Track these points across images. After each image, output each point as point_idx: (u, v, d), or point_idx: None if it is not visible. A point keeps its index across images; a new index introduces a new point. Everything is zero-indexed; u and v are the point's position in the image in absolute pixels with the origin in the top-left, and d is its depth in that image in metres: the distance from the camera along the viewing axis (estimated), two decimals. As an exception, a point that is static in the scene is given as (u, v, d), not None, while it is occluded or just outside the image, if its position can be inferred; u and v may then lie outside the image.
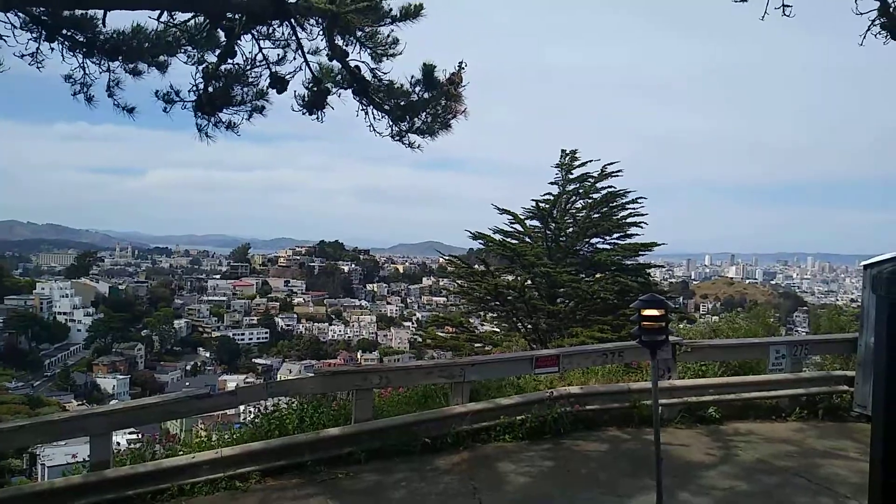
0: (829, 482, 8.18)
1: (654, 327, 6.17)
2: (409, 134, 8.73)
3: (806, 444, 9.75)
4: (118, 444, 9.78)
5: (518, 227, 24.05)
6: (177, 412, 9.16)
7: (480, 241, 24.34)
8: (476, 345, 22.66)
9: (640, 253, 23.39)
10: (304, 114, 8.10)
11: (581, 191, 23.99)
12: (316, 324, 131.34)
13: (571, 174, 24.29)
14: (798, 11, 8.21)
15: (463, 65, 8.36)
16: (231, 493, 7.96)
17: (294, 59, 8.14)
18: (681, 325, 18.74)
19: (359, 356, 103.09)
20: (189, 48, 7.98)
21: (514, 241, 23.59)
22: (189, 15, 7.58)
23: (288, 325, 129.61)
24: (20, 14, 7.33)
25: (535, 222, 23.96)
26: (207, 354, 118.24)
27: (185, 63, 8.10)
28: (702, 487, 8.06)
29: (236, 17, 7.65)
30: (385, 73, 8.27)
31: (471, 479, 8.36)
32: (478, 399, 9.98)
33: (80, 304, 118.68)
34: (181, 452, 8.59)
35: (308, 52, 8.04)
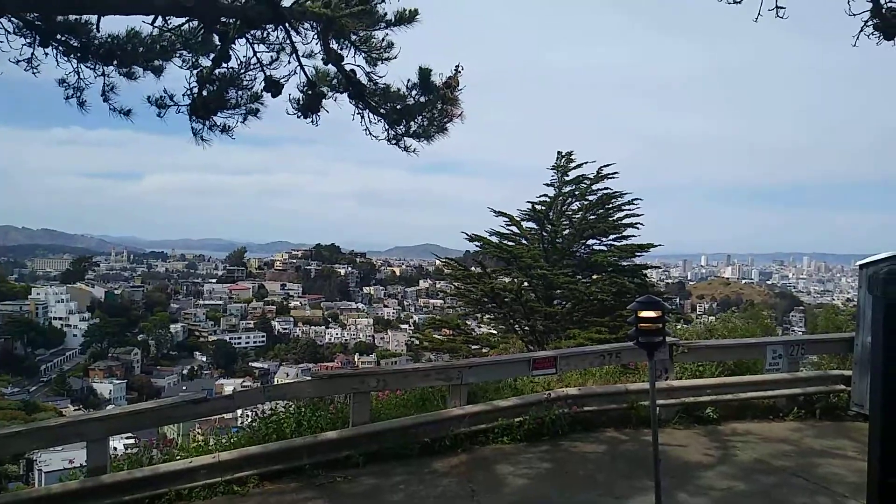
0: (827, 482, 8.19)
1: (651, 329, 6.17)
2: (406, 138, 8.73)
3: (803, 444, 9.76)
4: (115, 448, 9.75)
5: (514, 229, 24.07)
6: (174, 417, 9.13)
7: (477, 243, 24.35)
8: (473, 347, 22.67)
9: (637, 254, 23.43)
10: (298, 117, 8.10)
11: (577, 192, 24.04)
12: (313, 327, 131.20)
13: (567, 176, 24.33)
14: (793, 13, 8.25)
15: (459, 68, 8.38)
16: (229, 498, 7.94)
17: (289, 62, 8.15)
18: (678, 326, 18.77)
19: (356, 359, 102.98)
20: (184, 52, 7.96)
21: (510, 243, 23.61)
22: (183, 20, 7.57)
23: (285, 329, 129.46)
24: (13, 19, 7.31)
25: (532, 224, 23.99)
26: (204, 359, 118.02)
27: (180, 67, 8.08)
28: (700, 488, 8.07)
29: (231, 21, 7.65)
30: (381, 77, 8.28)
31: (469, 481, 8.35)
32: (475, 401, 9.97)
33: (75, 308, 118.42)
34: (178, 457, 8.56)
35: (302, 56, 8.05)
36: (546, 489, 8.17)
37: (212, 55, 7.88)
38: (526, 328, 22.16)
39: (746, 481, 8.29)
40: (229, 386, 66.57)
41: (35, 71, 7.63)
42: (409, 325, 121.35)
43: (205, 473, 8.04)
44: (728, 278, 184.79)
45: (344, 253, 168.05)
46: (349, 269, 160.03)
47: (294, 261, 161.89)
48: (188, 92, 8.09)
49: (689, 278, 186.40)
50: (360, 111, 8.54)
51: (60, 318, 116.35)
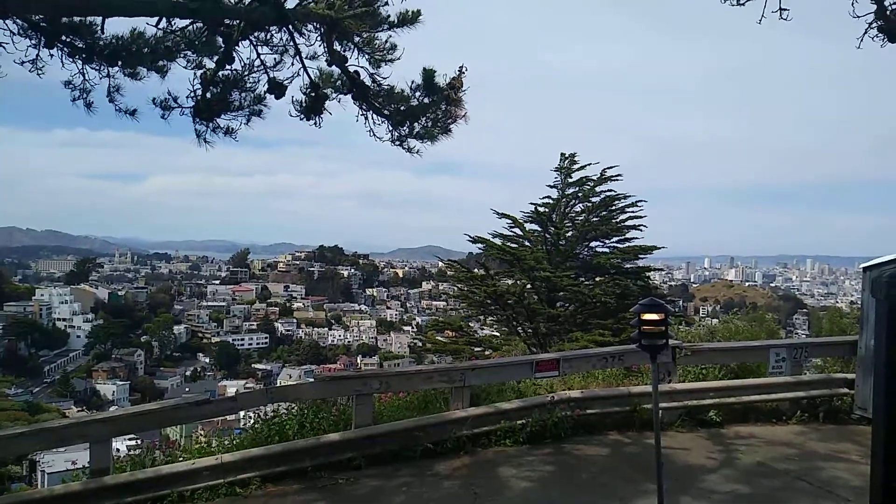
0: (831, 485, 8.16)
1: (654, 332, 6.16)
2: (409, 139, 8.75)
3: (807, 447, 9.72)
4: (118, 450, 9.75)
5: (517, 230, 24.08)
6: (177, 418, 9.14)
7: (480, 245, 24.38)
8: (476, 349, 22.69)
9: (640, 256, 23.44)
10: (301, 119, 8.12)
11: (580, 194, 24.04)
12: (316, 329, 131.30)
13: (571, 178, 24.35)
14: (796, 14, 8.23)
15: (463, 69, 8.39)
16: (231, 500, 7.94)
17: (292, 64, 8.18)
18: (680, 328, 18.72)
19: (359, 361, 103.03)
20: (188, 53, 8.00)
21: (513, 245, 23.63)
22: (187, 21, 7.59)
23: (288, 331, 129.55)
24: (18, 21, 7.34)
25: (535, 226, 24.00)
26: (207, 360, 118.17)
27: (185, 68, 8.13)
28: (703, 491, 8.04)
29: (234, 23, 7.67)
30: (384, 78, 8.31)
31: (471, 483, 8.34)
32: (478, 403, 9.96)
33: (79, 310, 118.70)
34: (181, 459, 8.56)
35: (306, 58, 8.08)
36: (549, 492, 8.15)
37: (215, 57, 7.90)
38: (529, 330, 22.16)
39: (749, 485, 8.26)
40: (232, 387, 66.61)
41: (40, 72, 7.66)
42: (412, 327, 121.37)
43: (207, 475, 8.04)
44: (731, 280, 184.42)
45: (347, 254, 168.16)
46: (352, 270, 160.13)
47: (297, 262, 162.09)
48: (192, 94, 8.12)
49: (692, 280, 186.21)
50: (364, 112, 8.57)
51: (64, 320, 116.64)
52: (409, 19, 7.56)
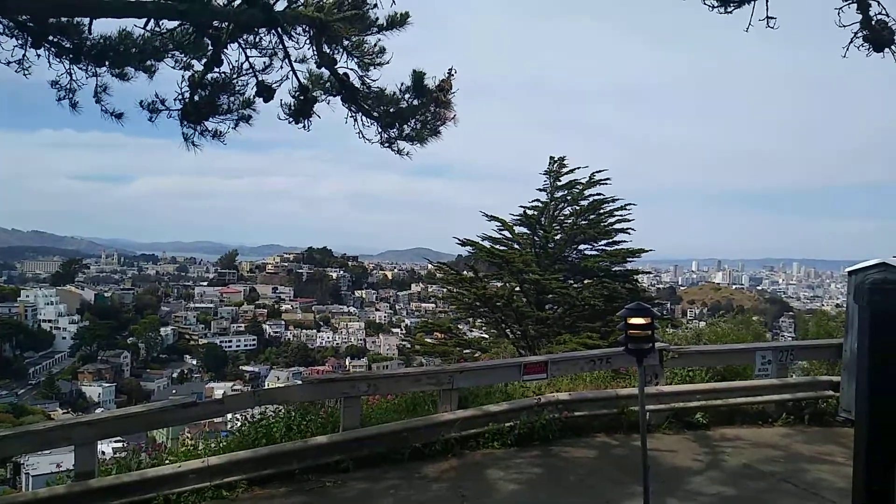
0: (816, 487, 8.23)
1: (641, 336, 6.20)
2: (399, 141, 8.75)
3: (792, 449, 9.80)
4: (103, 452, 9.69)
5: (507, 233, 24.12)
6: (163, 421, 9.11)
7: (469, 247, 24.40)
8: (465, 351, 22.67)
9: (628, 259, 23.52)
10: (290, 123, 8.11)
11: (569, 198, 24.12)
12: (304, 330, 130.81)
13: (560, 181, 24.42)
14: (780, 23, 8.30)
15: (453, 71, 8.41)
16: (217, 503, 7.91)
17: (281, 67, 8.16)
18: (668, 331, 18.82)
19: (347, 363, 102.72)
20: (176, 53, 7.96)
21: (502, 248, 23.65)
22: (176, 23, 7.56)
23: (276, 332, 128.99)
24: (5, 21, 7.28)
25: (524, 229, 24.05)
26: (194, 362, 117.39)
27: (173, 68, 8.08)
28: (689, 493, 8.10)
29: (223, 25, 7.65)
30: (374, 81, 8.30)
31: (459, 486, 8.35)
32: (466, 406, 9.98)
33: (65, 311, 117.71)
34: (167, 461, 8.52)
35: (295, 61, 8.06)
36: (537, 494, 8.18)
37: (204, 60, 7.87)
38: (518, 333, 22.20)
39: (735, 487, 8.32)
40: (219, 389, 66.35)
41: (26, 72, 7.61)
42: (401, 329, 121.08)
43: (193, 478, 8.00)
44: (719, 283, 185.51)
45: (336, 256, 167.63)
46: (341, 272, 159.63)
47: (286, 264, 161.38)
48: (180, 97, 8.08)
49: (679, 283, 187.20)
50: (354, 114, 8.56)
51: (50, 321, 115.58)
52: (397, 22, 7.57)
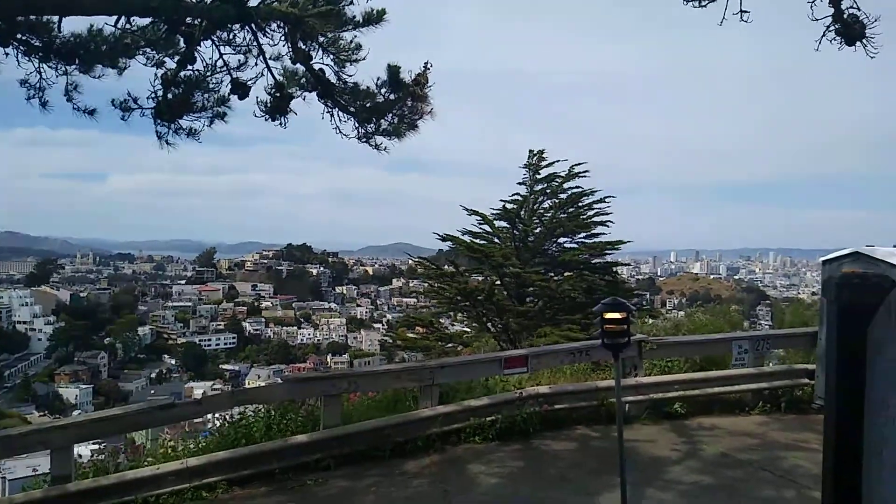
0: (792, 474, 8.37)
1: (617, 330, 6.24)
2: (376, 136, 8.73)
3: (769, 437, 9.96)
4: (79, 455, 9.55)
5: (487, 227, 24.14)
6: (140, 423, 9.01)
7: (450, 242, 24.39)
8: (447, 345, 22.69)
9: (607, 251, 23.67)
10: (266, 120, 8.04)
11: (548, 191, 24.20)
12: (285, 328, 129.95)
13: (539, 174, 24.48)
14: (753, 16, 8.38)
15: (428, 65, 8.40)
16: (198, 504, 7.86)
17: (256, 64, 8.08)
18: (647, 322, 19.01)
19: (329, 359, 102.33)
20: (147, 50, 7.83)
21: (482, 242, 23.67)
22: (148, 20, 7.44)
23: (256, 330, 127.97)
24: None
25: (504, 223, 24.09)
26: (173, 361, 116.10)
27: (145, 65, 7.95)
28: (668, 482, 8.19)
29: (196, 22, 7.54)
30: (350, 76, 8.25)
31: (441, 481, 8.37)
32: (447, 401, 9.99)
33: (40, 312, 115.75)
34: (146, 463, 8.44)
35: (270, 58, 7.99)
36: (518, 488, 8.22)
37: (177, 57, 7.76)
38: (499, 326, 22.25)
39: (713, 475, 8.43)
40: (199, 389, 65.87)
41: (-5, 71, 7.43)
42: (383, 325, 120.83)
43: (172, 480, 7.94)
44: (697, 274, 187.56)
45: (316, 253, 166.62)
46: (321, 268, 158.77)
47: (265, 261, 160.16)
48: (153, 95, 7.96)
49: (659, 274, 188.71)
50: (330, 110, 8.51)
51: (25, 322, 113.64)
52: (374, 19, 7.53)
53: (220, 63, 8.04)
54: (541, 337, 19.20)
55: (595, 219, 23.40)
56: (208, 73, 8.09)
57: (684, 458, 9.07)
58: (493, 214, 24.05)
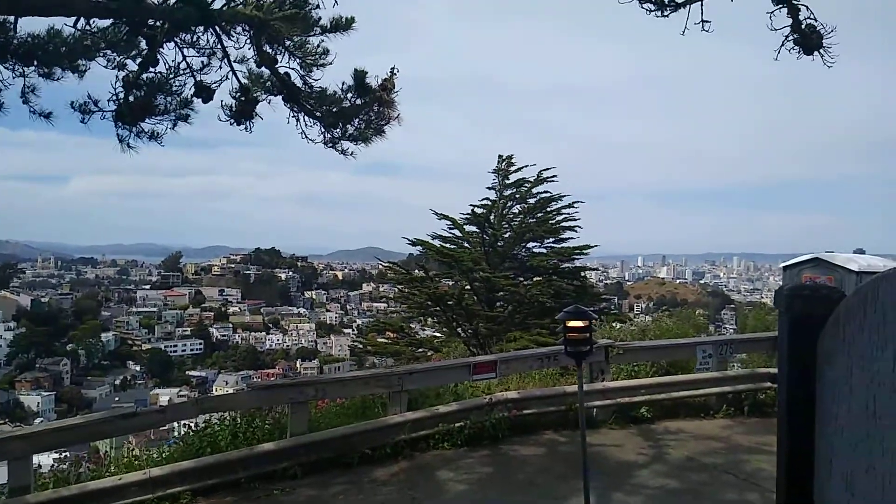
0: (755, 477, 8.49)
1: (579, 338, 6.29)
2: (342, 141, 8.68)
3: (733, 441, 10.10)
4: (39, 465, 9.30)
5: (456, 232, 24.22)
6: (103, 433, 8.81)
7: (419, 247, 24.39)
8: (417, 350, 22.67)
9: (575, 256, 23.91)
10: (231, 124, 7.95)
11: (518, 196, 24.37)
12: (253, 333, 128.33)
13: (508, 179, 24.65)
14: (720, 25, 8.55)
15: (395, 70, 8.38)
16: (161, 515, 7.70)
17: (220, 67, 7.97)
18: (616, 326, 19.20)
19: (298, 365, 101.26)
20: (108, 52, 7.68)
21: (452, 247, 23.73)
22: (108, 22, 7.30)
23: (223, 336, 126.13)
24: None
25: (473, 228, 24.17)
26: (138, 368, 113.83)
27: (105, 67, 7.80)
28: (634, 487, 8.26)
29: (158, 23, 7.42)
30: (316, 80, 8.20)
31: (410, 488, 8.33)
32: (416, 407, 9.95)
33: (0, 318, 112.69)
34: (108, 473, 8.25)
35: (235, 62, 7.90)
36: (486, 493, 8.22)
37: (138, 59, 7.63)
38: (469, 331, 22.30)
39: (678, 479, 8.53)
40: (165, 395, 64.63)
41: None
42: (353, 330, 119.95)
43: (135, 490, 7.76)
44: (663, 278, 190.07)
45: (284, 257, 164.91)
46: (290, 273, 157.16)
47: (233, 265, 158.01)
48: (114, 97, 7.81)
49: (626, 279, 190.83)
50: (296, 114, 8.45)
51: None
52: (342, 26, 7.48)
53: (183, 66, 7.92)
54: (510, 342, 19.29)
55: (563, 224, 23.65)
56: (171, 76, 7.95)
57: (651, 463, 9.16)
58: (462, 219, 24.16)
